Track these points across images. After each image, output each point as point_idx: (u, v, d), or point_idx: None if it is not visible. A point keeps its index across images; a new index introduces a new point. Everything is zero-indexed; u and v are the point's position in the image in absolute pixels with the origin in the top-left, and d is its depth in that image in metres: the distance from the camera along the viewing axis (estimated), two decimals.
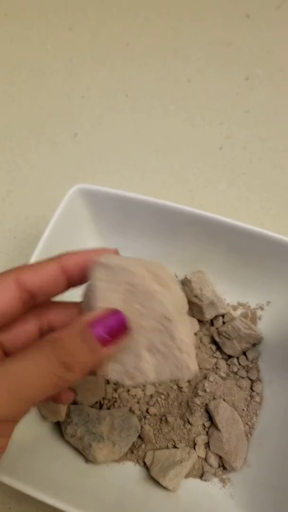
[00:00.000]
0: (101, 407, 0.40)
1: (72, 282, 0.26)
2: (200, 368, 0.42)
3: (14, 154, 0.56)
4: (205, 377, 0.41)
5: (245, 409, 0.40)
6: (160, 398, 0.41)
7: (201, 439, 0.39)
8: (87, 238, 0.45)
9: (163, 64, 0.64)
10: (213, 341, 0.43)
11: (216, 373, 0.42)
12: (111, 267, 0.24)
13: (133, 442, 0.39)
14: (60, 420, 0.38)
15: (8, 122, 0.59)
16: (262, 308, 0.45)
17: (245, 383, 0.41)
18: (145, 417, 0.40)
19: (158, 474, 0.37)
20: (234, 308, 0.45)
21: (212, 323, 0.44)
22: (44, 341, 0.22)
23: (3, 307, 0.24)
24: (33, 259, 0.37)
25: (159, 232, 0.44)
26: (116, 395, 0.41)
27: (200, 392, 0.40)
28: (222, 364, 0.42)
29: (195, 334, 0.44)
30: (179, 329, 0.24)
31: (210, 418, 0.40)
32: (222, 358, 0.43)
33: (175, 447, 0.39)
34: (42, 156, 0.57)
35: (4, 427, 0.23)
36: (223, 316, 0.44)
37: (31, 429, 0.37)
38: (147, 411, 0.40)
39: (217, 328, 0.43)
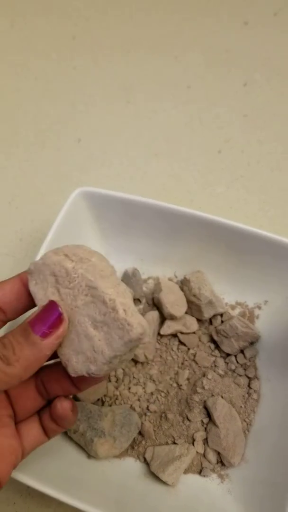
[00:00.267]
0: (102, 404, 0.41)
1: None
2: (199, 366, 0.43)
3: (20, 160, 0.58)
4: (204, 375, 0.42)
5: (242, 406, 0.41)
6: (160, 395, 0.42)
7: (200, 435, 0.40)
8: (90, 240, 0.46)
9: (164, 71, 0.65)
10: (212, 340, 0.44)
11: (214, 371, 0.42)
12: (37, 269, 0.26)
13: (134, 438, 0.40)
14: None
15: (14, 128, 0.60)
16: (259, 307, 0.45)
17: (243, 381, 0.42)
18: (145, 414, 0.41)
19: (157, 469, 0.38)
20: (232, 307, 0.46)
21: (210, 322, 0.45)
22: None
23: None
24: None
25: (160, 233, 0.44)
26: (117, 392, 0.41)
27: (198, 389, 0.41)
28: (221, 362, 0.43)
29: (194, 333, 0.44)
30: (106, 292, 0.24)
31: (209, 415, 0.40)
32: (221, 356, 0.43)
33: (174, 443, 0.40)
34: (46, 161, 0.58)
35: None
36: (221, 315, 0.45)
37: None
38: (147, 408, 0.41)
39: (215, 327, 0.44)
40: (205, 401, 0.41)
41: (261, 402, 0.41)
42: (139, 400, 0.41)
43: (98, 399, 0.41)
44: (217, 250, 0.44)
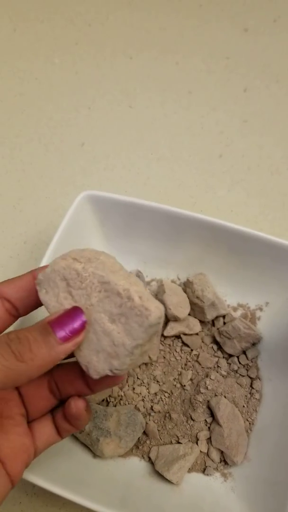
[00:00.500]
0: (107, 404, 0.42)
1: None
2: (202, 367, 0.43)
3: (24, 163, 0.58)
4: (207, 375, 0.43)
5: (245, 405, 0.42)
6: (164, 396, 0.42)
7: (203, 435, 0.40)
8: (94, 242, 0.46)
9: (165, 77, 0.66)
10: (214, 341, 0.45)
11: (217, 372, 0.43)
12: (46, 278, 0.26)
13: (138, 438, 0.40)
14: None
15: (18, 132, 0.61)
16: (261, 309, 0.46)
17: (245, 381, 0.43)
18: (149, 414, 0.41)
19: (162, 468, 0.38)
20: (234, 309, 0.46)
21: (213, 323, 0.46)
22: (3, 334, 0.23)
23: None
24: (44, 262, 0.39)
25: (163, 236, 0.45)
26: (122, 393, 0.42)
27: (202, 390, 0.42)
28: (223, 363, 0.44)
29: (197, 334, 0.45)
30: (119, 283, 0.24)
31: (212, 415, 0.41)
32: (223, 357, 0.44)
33: (178, 442, 0.40)
34: (50, 164, 0.58)
35: None
36: (223, 316, 0.46)
37: None
38: (151, 408, 0.42)
39: (218, 328, 0.45)
40: (208, 401, 0.41)
41: (263, 402, 0.42)
42: (143, 400, 0.42)
43: (103, 400, 0.42)
44: (219, 253, 0.44)
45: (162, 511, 0.36)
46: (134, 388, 0.42)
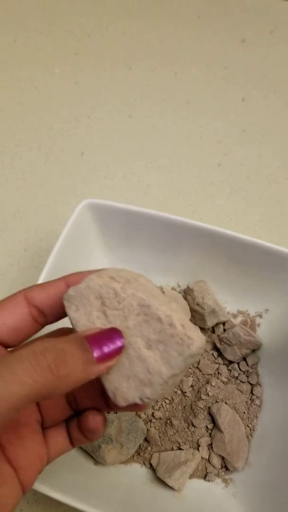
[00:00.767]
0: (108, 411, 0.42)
1: None
2: (203, 373, 0.44)
3: (24, 172, 0.59)
4: (208, 382, 0.43)
5: (245, 411, 0.42)
6: (165, 402, 0.42)
7: (205, 441, 0.41)
8: (94, 250, 0.47)
9: (164, 87, 0.66)
10: (215, 348, 0.45)
11: (218, 378, 0.44)
12: (79, 294, 0.24)
13: (140, 445, 0.40)
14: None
15: (18, 141, 0.62)
16: (260, 316, 0.46)
17: (246, 387, 0.43)
18: (150, 421, 0.42)
19: (164, 474, 0.38)
20: (234, 316, 0.47)
21: (213, 330, 0.46)
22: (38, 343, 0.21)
23: (15, 322, 0.25)
24: (45, 269, 0.39)
25: (163, 244, 0.45)
26: None
27: (203, 396, 0.42)
28: (224, 369, 0.44)
29: None
30: (160, 309, 0.23)
31: (213, 421, 0.41)
32: (224, 363, 0.45)
33: (179, 448, 0.40)
34: (50, 173, 0.59)
35: None
36: (224, 323, 0.46)
37: None
38: (152, 415, 0.42)
39: (218, 335, 0.45)
40: (209, 408, 0.41)
41: (263, 408, 0.42)
42: None
43: None
44: (219, 260, 0.45)
45: None
46: None
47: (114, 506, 0.35)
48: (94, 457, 0.39)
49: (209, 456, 0.40)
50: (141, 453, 0.40)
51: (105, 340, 0.22)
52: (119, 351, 0.23)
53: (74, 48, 0.71)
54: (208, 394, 0.42)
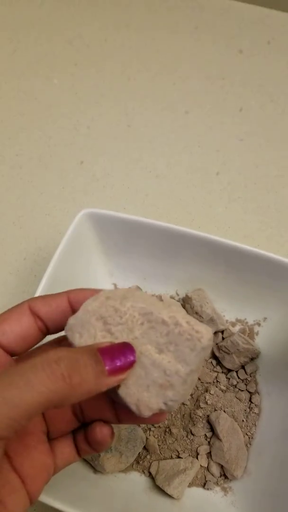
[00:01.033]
0: None
1: None
2: (201, 382, 0.44)
3: (24, 181, 0.59)
4: (206, 390, 0.43)
5: (244, 420, 0.42)
6: None
7: (203, 449, 0.41)
8: (93, 259, 0.47)
9: (163, 97, 0.67)
10: (213, 356, 0.45)
11: (216, 386, 0.44)
12: (79, 321, 0.24)
13: (139, 453, 0.40)
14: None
15: (18, 151, 0.62)
16: (259, 324, 0.47)
17: (244, 396, 0.43)
18: (149, 429, 0.42)
19: (163, 482, 0.38)
20: (233, 324, 0.47)
21: None
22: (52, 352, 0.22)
23: (22, 330, 0.26)
24: (45, 278, 0.39)
25: (162, 253, 0.45)
26: None
27: (201, 404, 0.42)
28: (222, 377, 0.44)
29: None
30: (163, 312, 0.23)
31: (212, 429, 0.41)
32: (222, 372, 0.45)
33: (178, 457, 0.41)
34: (49, 182, 0.59)
35: None
36: (222, 332, 0.46)
37: None
38: None
39: (217, 344, 0.45)
40: (208, 416, 0.42)
41: (262, 416, 0.42)
42: None
43: None
44: (217, 269, 0.45)
45: None
46: None
47: None
48: (93, 465, 0.39)
49: (208, 465, 0.40)
50: (140, 462, 0.41)
51: (117, 353, 0.23)
52: (130, 364, 0.23)
53: (73, 59, 0.71)
54: (207, 403, 0.42)
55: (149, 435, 0.41)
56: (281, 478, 0.38)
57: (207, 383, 0.44)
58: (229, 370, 0.44)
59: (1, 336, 0.25)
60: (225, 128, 0.64)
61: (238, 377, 0.44)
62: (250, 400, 0.43)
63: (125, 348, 0.23)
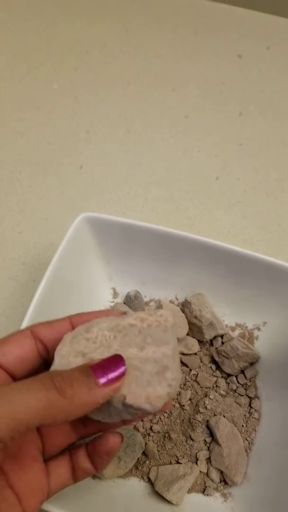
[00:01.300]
0: None
1: None
2: (201, 387, 0.44)
3: (23, 186, 0.59)
4: (206, 395, 0.43)
5: (244, 425, 0.42)
6: (163, 416, 0.42)
7: (203, 454, 0.40)
8: (92, 264, 0.47)
9: (162, 102, 0.67)
10: (213, 361, 0.45)
11: (216, 391, 0.43)
12: (58, 368, 0.25)
13: (138, 459, 0.40)
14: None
15: (17, 156, 0.62)
16: (258, 329, 0.47)
17: (244, 400, 0.43)
18: (149, 434, 0.41)
19: (162, 488, 0.38)
20: (232, 329, 0.47)
21: (211, 343, 0.46)
22: (44, 372, 0.23)
23: (22, 353, 0.26)
24: (43, 283, 0.39)
25: (161, 257, 0.45)
26: None
27: (201, 409, 0.42)
28: (222, 382, 0.44)
29: (195, 354, 0.45)
30: (127, 319, 0.26)
31: (211, 434, 0.41)
32: (222, 376, 0.44)
33: (178, 462, 0.40)
34: (49, 187, 0.59)
35: None
36: (222, 336, 0.46)
37: None
38: (150, 428, 0.41)
39: (216, 348, 0.45)
40: (207, 421, 0.41)
41: (262, 421, 0.42)
42: (142, 420, 0.42)
43: None
44: (217, 273, 0.45)
45: None
46: None
47: None
48: None
49: (207, 470, 0.40)
50: (139, 467, 0.40)
51: (107, 365, 0.24)
52: (121, 374, 0.24)
53: (72, 64, 0.72)
54: (206, 407, 0.42)
55: (148, 440, 0.41)
56: (281, 484, 0.38)
57: (206, 388, 0.44)
58: (229, 375, 0.44)
59: (1, 357, 0.26)
60: (225, 133, 0.64)
61: (238, 382, 0.44)
62: (249, 405, 0.43)
63: (115, 359, 0.24)
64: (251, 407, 0.43)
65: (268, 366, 0.44)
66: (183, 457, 0.40)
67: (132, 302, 0.47)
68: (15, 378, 0.26)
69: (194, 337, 0.46)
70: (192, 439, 0.41)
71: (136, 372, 0.24)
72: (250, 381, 0.44)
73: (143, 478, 0.40)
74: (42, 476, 0.27)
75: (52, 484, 0.27)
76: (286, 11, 0.75)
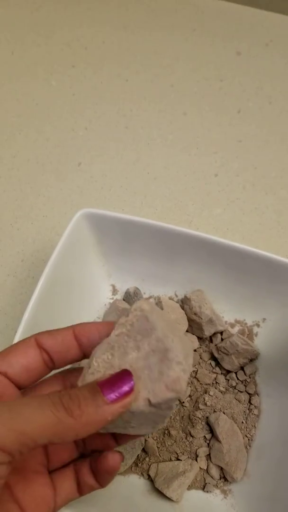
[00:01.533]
0: None
1: (85, 351, 0.28)
2: (200, 383, 0.44)
3: (21, 183, 0.59)
4: (206, 392, 0.43)
5: (244, 421, 0.42)
6: None
7: (203, 451, 0.40)
8: (91, 260, 0.47)
9: (161, 98, 0.67)
10: (213, 357, 0.45)
11: (215, 388, 0.43)
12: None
13: (138, 455, 0.40)
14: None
15: (16, 152, 0.62)
16: (258, 325, 0.46)
17: (244, 397, 0.43)
18: None
19: (162, 485, 0.38)
20: (232, 325, 0.47)
21: (211, 339, 0.46)
22: (53, 391, 0.24)
23: (28, 362, 0.26)
24: (42, 280, 0.39)
25: (160, 253, 0.45)
26: None
27: (201, 406, 0.42)
28: (221, 379, 0.44)
29: (195, 350, 0.45)
30: (113, 332, 0.26)
31: (211, 431, 0.41)
32: (221, 373, 0.44)
33: (178, 459, 0.40)
34: (47, 184, 0.59)
35: None
36: (221, 333, 0.46)
37: None
38: None
39: (216, 345, 0.45)
40: (207, 417, 0.41)
41: (262, 418, 0.42)
42: None
43: None
44: (216, 270, 0.45)
45: None
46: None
47: None
48: None
49: (207, 467, 0.40)
50: (139, 464, 0.40)
51: (116, 381, 0.24)
52: (129, 390, 0.24)
53: (71, 61, 0.71)
54: (206, 404, 0.42)
55: (148, 437, 0.41)
56: (281, 480, 0.38)
57: (206, 384, 0.43)
58: (228, 371, 0.44)
59: (8, 367, 0.26)
60: (223, 129, 0.64)
61: (238, 378, 0.44)
62: (249, 402, 0.43)
63: (121, 374, 0.24)
64: (250, 404, 0.43)
65: (268, 363, 0.44)
66: (183, 454, 0.40)
67: (132, 298, 0.47)
68: (20, 387, 0.26)
69: (193, 334, 0.46)
70: (192, 436, 0.41)
71: (145, 371, 0.24)
72: (250, 377, 0.44)
73: (143, 475, 0.40)
74: (48, 489, 0.27)
75: (58, 498, 0.27)
76: (285, 8, 0.75)
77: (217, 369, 0.45)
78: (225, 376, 0.44)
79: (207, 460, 0.40)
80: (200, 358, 0.45)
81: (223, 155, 0.62)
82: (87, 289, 0.47)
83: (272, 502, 0.37)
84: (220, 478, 0.40)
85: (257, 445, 0.41)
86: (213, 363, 0.45)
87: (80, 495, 0.29)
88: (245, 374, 0.44)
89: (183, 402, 0.43)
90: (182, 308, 0.46)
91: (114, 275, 0.49)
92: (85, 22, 0.76)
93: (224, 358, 0.44)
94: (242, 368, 0.44)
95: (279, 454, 0.39)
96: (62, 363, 0.28)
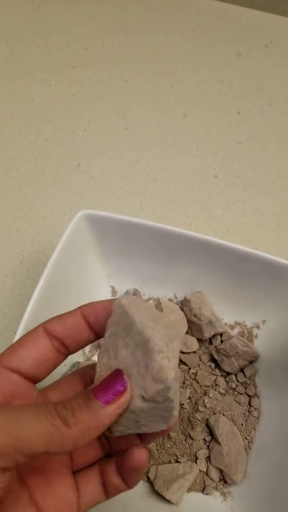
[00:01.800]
0: None
1: (95, 330, 0.27)
2: (200, 385, 0.43)
3: (21, 183, 0.59)
4: (205, 394, 0.43)
5: (244, 423, 0.42)
6: None
7: (202, 453, 0.40)
8: (91, 261, 0.47)
9: (161, 99, 0.67)
10: (212, 359, 0.45)
11: (215, 390, 0.43)
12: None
13: None
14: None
15: (15, 153, 0.62)
16: (258, 327, 0.46)
17: (243, 399, 0.43)
18: None
19: (161, 487, 0.38)
20: (232, 327, 0.47)
21: (210, 341, 0.46)
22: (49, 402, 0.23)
23: (39, 354, 0.25)
24: (41, 281, 0.38)
25: (160, 255, 0.45)
26: None
27: (200, 408, 0.42)
28: (221, 380, 0.44)
29: (195, 352, 0.45)
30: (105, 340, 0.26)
31: (211, 433, 0.41)
32: (221, 375, 0.44)
33: (177, 461, 0.40)
34: (47, 185, 0.59)
35: None
36: (221, 334, 0.46)
37: None
38: None
39: (215, 347, 0.45)
40: (207, 419, 0.41)
41: (262, 420, 0.42)
42: None
43: None
44: (216, 271, 0.45)
45: None
46: None
47: None
48: None
49: (207, 469, 0.40)
50: None
51: (108, 383, 0.23)
52: (123, 389, 0.23)
53: (70, 61, 0.71)
54: (205, 406, 0.42)
55: None
56: (280, 483, 0.38)
57: (206, 386, 0.43)
58: (228, 373, 0.44)
59: (19, 362, 0.25)
60: (223, 131, 0.64)
61: (237, 380, 0.44)
62: (249, 404, 0.43)
63: (113, 375, 0.24)
64: (250, 406, 0.43)
65: (268, 365, 0.44)
66: (182, 456, 0.40)
67: None
68: (36, 381, 0.26)
69: (193, 336, 0.46)
70: (191, 438, 0.41)
71: (135, 368, 0.24)
72: (250, 379, 0.44)
73: (142, 478, 0.40)
74: (70, 492, 0.26)
75: (81, 500, 0.26)
76: (285, 9, 0.75)
77: (217, 371, 0.44)
78: (225, 378, 0.44)
79: (206, 462, 0.40)
80: (200, 360, 0.45)
81: (223, 156, 0.62)
82: (86, 291, 0.47)
83: (272, 504, 0.37)
84: (220, 480, 0.40)
85: (257, 447, 0.41)
86: (212, 365, 0.45)
87: (106, 497, 0.27)
88: (245, 376, 0.44)
89: (183, 404, 0.42)
90: (182, 309, 0.46)
91: (113, 277, 0.49)
92: (84, 23, 0.76)
93: (224, 360, 0.44)
94: (242, 370, 0.44)
95: (279, 456, 0.39)
96: (76, 347, 0.27)
